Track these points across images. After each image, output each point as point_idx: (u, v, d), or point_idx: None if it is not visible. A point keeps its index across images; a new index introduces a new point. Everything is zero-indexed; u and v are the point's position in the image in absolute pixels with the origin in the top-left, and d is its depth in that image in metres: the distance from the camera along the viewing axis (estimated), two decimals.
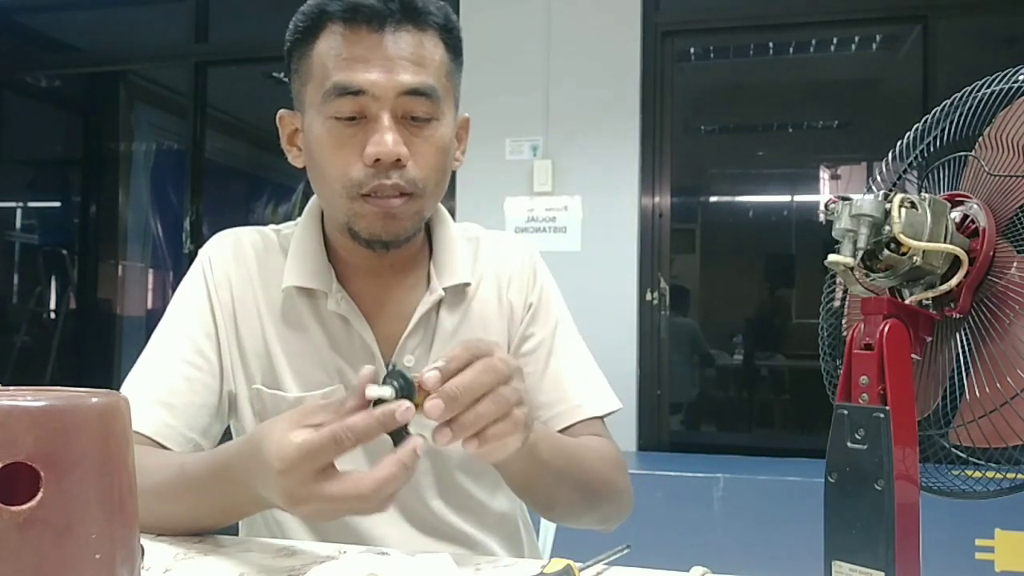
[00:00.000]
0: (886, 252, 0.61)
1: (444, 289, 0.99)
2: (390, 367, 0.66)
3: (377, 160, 0.86)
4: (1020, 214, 0.63)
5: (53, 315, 4.91)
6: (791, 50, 4.10)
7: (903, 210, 0.60)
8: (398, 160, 0.86)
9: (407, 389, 0.64)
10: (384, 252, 0.93)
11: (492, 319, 1.03)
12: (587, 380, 1.04)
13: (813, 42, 4.02)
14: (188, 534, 0.83)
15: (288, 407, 0.93)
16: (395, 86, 0.86)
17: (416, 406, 0.65)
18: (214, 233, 1.04)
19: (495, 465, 0.80)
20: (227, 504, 0.79)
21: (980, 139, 0.68)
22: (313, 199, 1.01)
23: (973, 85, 0.70)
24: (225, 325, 0.98)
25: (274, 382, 0.97)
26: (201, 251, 1.03)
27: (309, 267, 0.97)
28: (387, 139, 0.86)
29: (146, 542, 0.74)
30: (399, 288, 0.99)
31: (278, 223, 1.07)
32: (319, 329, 0.98)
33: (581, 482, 0.91)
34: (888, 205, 0.60)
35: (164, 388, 0.94)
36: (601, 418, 1.02)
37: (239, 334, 0.98)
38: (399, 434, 0.65)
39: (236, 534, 1.00)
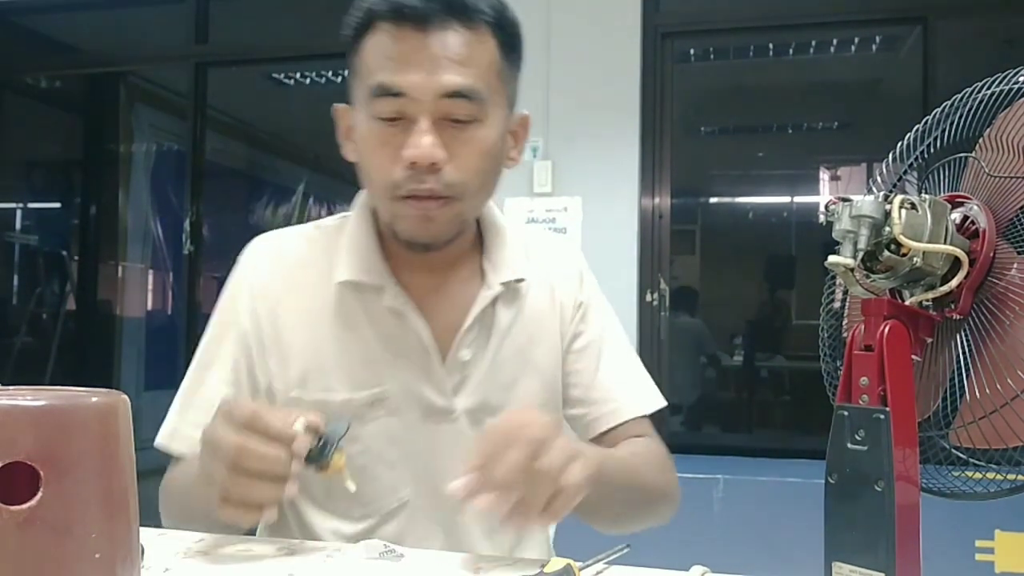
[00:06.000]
0: (886, 253, 0.61)
1: (500, 284, 0.98)
2: (322, 440, 0.74)
3: (413, 163, 0.85)
4: (1020, 215, 0.63)
5: (53, 316, 4.91)
6: (791, 51, 4.11)
7: (903, 211, 0.60)
8: (434, 164, 0.85)
9: (318, 453, 0.74)
10: (424, 253, 0.93)
11: (545, 317, 1.03)
12: (636, 379, 1.06)
13: (813, 43, 4.02)
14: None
15: (335, 409, 0.94)
16: (435, 88, 0.85)
17: (328, 467, 0.74)
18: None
19: None
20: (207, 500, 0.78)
21: (980, 140, 0.68)
22: (365, 191, 0.99)
23: (973, 86, 0.70)
24: (267, 334, 0.96)
25: (321, 385, 0.95)
26: (239, 260, 1.01)
27: (363, 261, 0.96)
28: (423, 142, 0.85)
29: (146, 541, 0.74)
30: (454, 281, 0.99)
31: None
32: (370, 327, 0.96)
33: (640, 494, 0.94)
34: (888, 206, 0.60)
35: (202, 410, 0.92)
36: (649, 417, 1.04)
37: (283, 340, 0.96)
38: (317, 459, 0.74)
39: (254, 533, 0.99)
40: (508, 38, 0.91)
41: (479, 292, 0.98)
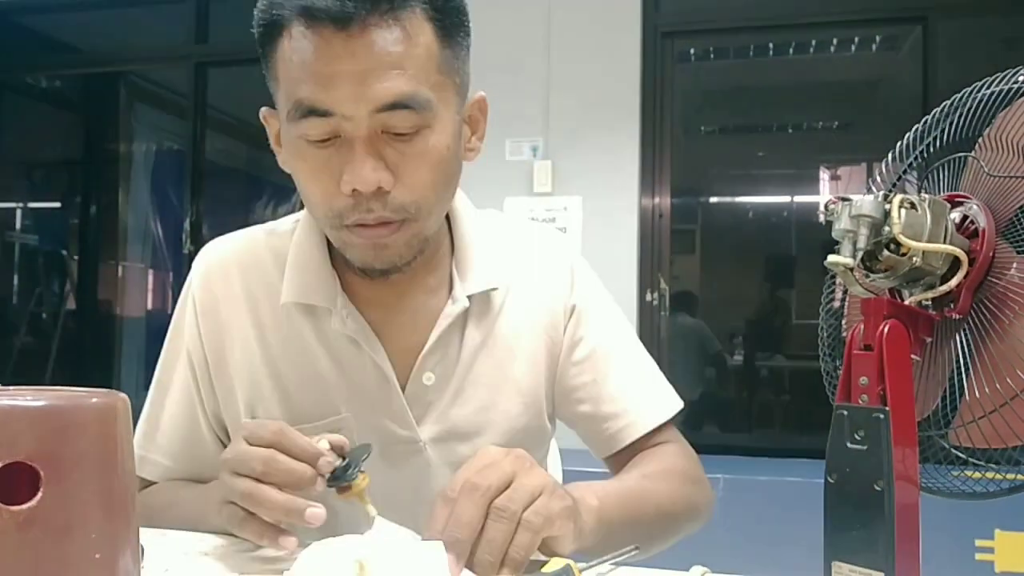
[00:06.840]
0: (886, 253, 0.61)
1: (469, 297, 0.88)
2: (346, 463, 0.73)
3: (356, 190, 0.75)
4: (1020, 215, 0.63)
5: (53, 316, 4.91)
6: (791, 51, 4.10)
7: (903, 211, 0.60)
8: (379, 188, 0.75)
9: (342, 472, 0.72)
10: (384, 278, 0.84)
11: (523, 329, 0.92)
12: (650, 385, 0.97)
13: (813, 43, 4.02)
14: None
15: None
16: (369, 102, 0.72)
17: (351, 488, 0.73)
18: (214, 234, 0.97)
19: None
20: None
21: (980, 140, 0.68)
22: None
23: (973, 86, 0.70)
24: (211, 358, 0.90)
25: (269, 414, 0.88)
26: (190, 273, 0.94)
27: (310, 280, 0.86)
28: (362, 169, 0.73)
29: (146, 542, 0.74)
30: (419, 292, 0.88)
31: None
32: (322, 351, 0.88)
33: (656, 520, 0.85)
34: (888, 206, 0.60)
35: (166, 436, 0.93)
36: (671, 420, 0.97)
37: (229, 364, 0.90)
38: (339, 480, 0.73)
39: None
40: (447, 16, 0.76)
41: (444, 307, 0.88)
